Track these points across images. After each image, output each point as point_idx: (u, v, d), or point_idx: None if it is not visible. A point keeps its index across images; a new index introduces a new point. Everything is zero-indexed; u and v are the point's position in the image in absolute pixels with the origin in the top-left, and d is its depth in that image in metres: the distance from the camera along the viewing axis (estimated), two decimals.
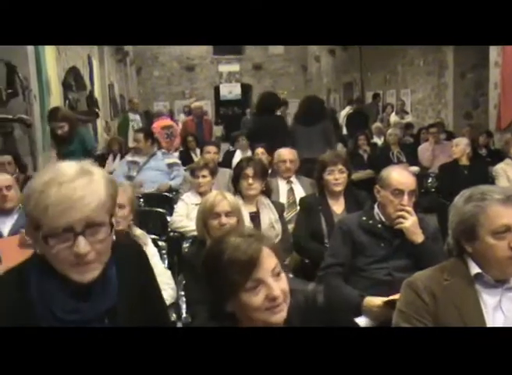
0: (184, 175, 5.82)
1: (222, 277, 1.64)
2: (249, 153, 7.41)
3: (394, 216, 2.90)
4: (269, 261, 1.65)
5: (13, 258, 3.42)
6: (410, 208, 2.90)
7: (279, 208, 3.95)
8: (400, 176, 2.95)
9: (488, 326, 1.93)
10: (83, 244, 1.43)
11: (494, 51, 8.69)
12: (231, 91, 24.23)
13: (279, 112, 7.94)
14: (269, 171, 5.59)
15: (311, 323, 1.74)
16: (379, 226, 2.96)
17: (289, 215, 4.36)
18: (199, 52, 23.68)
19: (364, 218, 3.01)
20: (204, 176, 4.56)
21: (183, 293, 3.15)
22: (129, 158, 6.23)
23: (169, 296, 3.06)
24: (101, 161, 7.47)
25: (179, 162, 6.46)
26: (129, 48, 18.89)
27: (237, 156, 7.47)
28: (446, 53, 10.82)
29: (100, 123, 11.89)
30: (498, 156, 6.80)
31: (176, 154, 7.93)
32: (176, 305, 3.12)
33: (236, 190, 4.00)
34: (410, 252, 2.89)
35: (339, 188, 3.85)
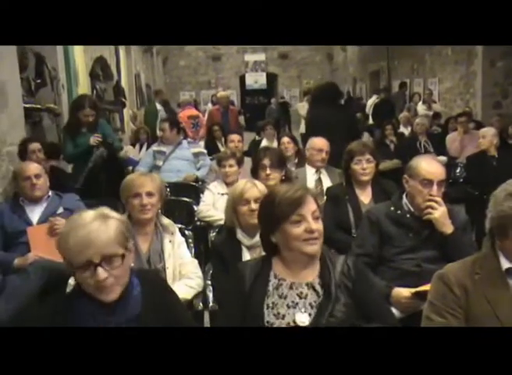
0: (210, 164, 5.83)
1: (273, 212, 2.13)
2: (275, 143, 7.41)
3: (423, 207, 2.87)
4: (311, 204, 2.12)
5: (42, 246, 3.48)
6: (439, 199, 2.86)
7: None
8: (429, 165, 2.92)
9: None
10: (100, 273, 1.79)
11: None
12: (256, 80, 24.17)
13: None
14: (295, 160, 5.63)
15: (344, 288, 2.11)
16: (408, 216, 2.94)
17: None
18: None
19: (393, 208, 2.99)
20: (230, 166, 4.56)
21: (209, 282, 3.16)
22: (155, 148, 6.25)
23: (197, 285, 3.08)
24: None
25: (204, 151, 6.46)
26: None
27: (264, 145, 7.45)
28: None
29: (126, 113, 11.96)
30: None
31: (202, 143, 7.95)
32: (202, 294, 3.13)
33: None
34: (439, 243, 2.85)
35: (366, 178, 3.82)
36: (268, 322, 2.06)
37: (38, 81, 6.30)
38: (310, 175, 4.67)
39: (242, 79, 24.35)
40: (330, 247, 3.71)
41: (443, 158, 7.01)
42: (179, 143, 6.14)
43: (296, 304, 2.09)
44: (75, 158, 5.37)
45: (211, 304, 3.08)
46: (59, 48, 6.88)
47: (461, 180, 6.47)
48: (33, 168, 3.81)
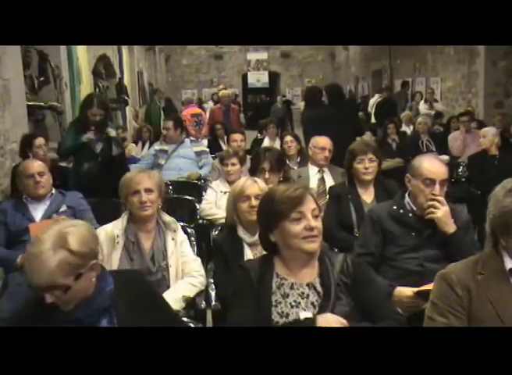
0: (213, 163, 5.83)
1: (272, 210, 2.14)
2: (277, 141, 7.40)
3: (425, 206, 2.87)
4: (311, 202, 2.13)
5: None
6: (441, 198, 2.86)
7: None
8: (432, 165, 2.91)
9: None
10: (48, 297, 1.90)
11: None
12: (259, 78, 24.16)
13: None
14: (298, 159, 5.63)
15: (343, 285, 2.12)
16: (410, 215, 2.94)
17: None
18: None
19: (395, 207, 2.99)
20: (233, 164, 4.57)
21: (212, 280, 3.17)
22: (157, 146, 6.25)
23: (199, 283, 3.08)
24: None
25: (207, 149, 6.47)
26: None
27: (265, 144, 7.45)
28: None
29: (129, 111, 11.97)
30: None
31: (205, 142, 7.95)
32: (205, 293, 3.14)
33: None
34: (441, 243, 2.86)
35: (369, 177, 3.82)
36: (272, 320, 2.07)
37: (41, 79, 6.32)
38: (312, 174, 4.67)
39: (244, 77, 24.34)
40: (332, 246, 3.75)
41: (445, 158, 7.01)
42: (181, 141, 6.14)
43: (299, 303, 2.09)
44: (70, 153, 5.26)
45: (213, 302, 3.08)
46: (62, 47, 6.89)
47: (463, 180, 6.47)
48: (36, 166, 3.80)
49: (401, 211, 2.96)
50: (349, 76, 21.58)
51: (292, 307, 2.09)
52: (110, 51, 10.45)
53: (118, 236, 3.03)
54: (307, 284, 2.13)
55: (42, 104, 6.24)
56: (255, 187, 3.08)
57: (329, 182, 4.55)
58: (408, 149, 7.17)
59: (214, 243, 3.28)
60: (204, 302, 3.09)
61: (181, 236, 3.20)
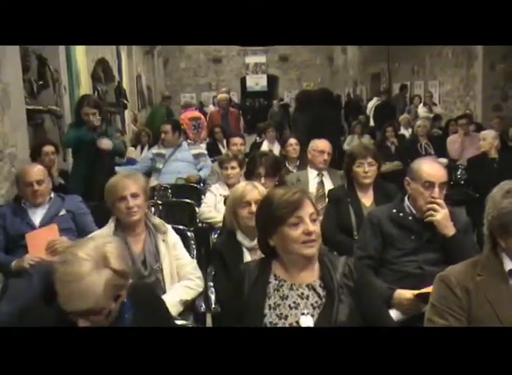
0: (212, 166, 5.83)
1: (270, 215, 2.13)
2: (276, 144, 7.41)
3: (425, 209, 2.88)
4: (309, 207, 2.12)
5: (40, 251, 3.48)
6: (441, 201, 2.87)
7: None
8: (431, 168, 2.92)
9: None
10: (87, 322, 1.79)
11: None
12: (257, 82, 24.17)
13: None
14: (297, 163, 5.63)
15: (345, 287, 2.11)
16: (410, 218, 2.94)
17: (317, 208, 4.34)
18: None
19: (395, 210, 3.00)
20: (232, 168, 4.57)
21: (211, 284, 3.16)
22: (154, 150, 6.26)
23: (196, 285, 3.06)
24: None
25: (205, 152, 6.47)
26: None
27: (264, 147, 7.46)
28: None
29: (128, 114, 11.97)
30: None
31: (203, 145, 7.95)
32: (205, 296, 3.13)
33: None
34: (441, 245, 2.86)
35: (368, 181, 3.82)
36: (271, 322, 2.07)
37: (40, 83, 6.30)
38: (312, 177, 4.68)
39: (243, 81, 24.35)
40: (331, 249, 3.75)
41: (444, 161, 7.02)
42: (178, 145, 6.14)
43: (298, 304, 2.09)
44: (73, 144, 5.28)
45: (213, 306, 3.07)
46: (61, 50, 6.88)
47: (462, 182, 6.48)
48: (36, 172, 3.76)
49: (401, 214, 2.96)
50: (347, 80, 21.61)
51: (291, 308, 2.09)
52: (109, 54, 10.45)
53: None
54: (307, 285, 2.13)
55: (41, 108, 6.22)
56: (255, 192, 3.05)
57: (328, 185, 4.55)
58: (407, 152, 7.17)
59: (213, 247, 3.27)
60: (203, 306, 3.09)
61: (173, 238, 3.15)
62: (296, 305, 2.09)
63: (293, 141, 5.81)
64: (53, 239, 3.50)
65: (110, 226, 3.08)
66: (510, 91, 10.21)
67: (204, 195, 4.76)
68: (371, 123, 12.08)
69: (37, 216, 3.75)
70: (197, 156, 6.12)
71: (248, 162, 4.27)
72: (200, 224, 4.47)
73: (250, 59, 24.26)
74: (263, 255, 2.32)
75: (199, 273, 3.15)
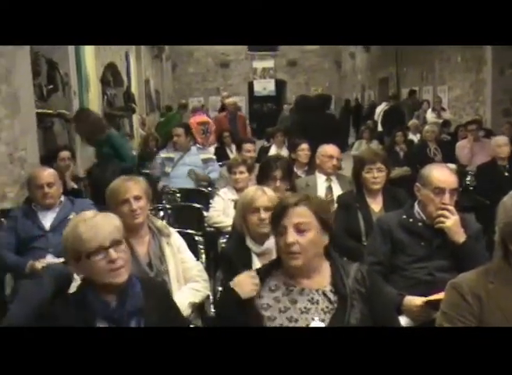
0: (220, 171, 5.83)
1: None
2: (284, 149, 7.41)
3: (435, 215, 2.86)
4: (296, 216, 2.05)
5: None
6: (451, 207, 2.85)
7: None
8: (441, 174, 2.90)
9: None
10: (112, 254, 1.99)
11: None
12: (265, 87, 24.15)
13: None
14: (305, 168, 5.62)
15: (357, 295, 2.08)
16: (420, 224, 2.92)
17: None
18: (234, 48, 23.61)
19: (405, 216, 2.98)
20: (241, 173, 4.57)
21: (220, 288, 3.16)
22: (163, 154, 6.27)
23: (203, 288, 3.05)
24: None
25: (214, 157, 6.48)
26: None
27: (272, 152, 7.47)
28: (485, 49, 10.61)
29: (136, 118, 12.01)
30: None
31: (212, 150, 7.96)
32: (214, 300, 3.13)
33: None
34: (451, 252, 2.84)
35: (377, 187, 3.80)
36: (281, 324, 2.06)
37: (50, 87, 6.34)
38: (320, 183, 4.65)
39: (250, 85, 24.38)
40: (341, 255, 3.73)
41: (453, 166, 6.99)
42: (188, 149, 6.16)
43: (309, 309, 2.09)
44: None
45: None
46: (71, 55, 6.92)
47: (471, 188, 6.45)
48: (46, 175, 3.80)
49: (411, 220, 2.95)
50: (355, 85, 21.60)
51: (302, 313, 2.08)
52: (118, 59, 10.49)
53: None
54: (317, 290, 2.12)
55: (51, 111, 6.26)
56: (264, 198, 2.99)
57: (337, 190, 4.53)
58: (416, 158, 7.16)
59: (222, 252, 3.27)
60: (212, 310, 3.09)
61: (177, 241, 3.13)
62: (307, 310, 2.08)
63: (304, 146, 5.78)
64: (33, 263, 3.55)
65: None
66: None
67: (213, 199, 4.76)
68: (379, 128, 12.06)
69: (47, 219, 3.78)
70: (206, 161, 6.13)
71: (262, 166, 4.22)
72: (208, 228, 4.46)
73: (258, 64, 24.27)
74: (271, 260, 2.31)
75: (205, 276, 3.14)
